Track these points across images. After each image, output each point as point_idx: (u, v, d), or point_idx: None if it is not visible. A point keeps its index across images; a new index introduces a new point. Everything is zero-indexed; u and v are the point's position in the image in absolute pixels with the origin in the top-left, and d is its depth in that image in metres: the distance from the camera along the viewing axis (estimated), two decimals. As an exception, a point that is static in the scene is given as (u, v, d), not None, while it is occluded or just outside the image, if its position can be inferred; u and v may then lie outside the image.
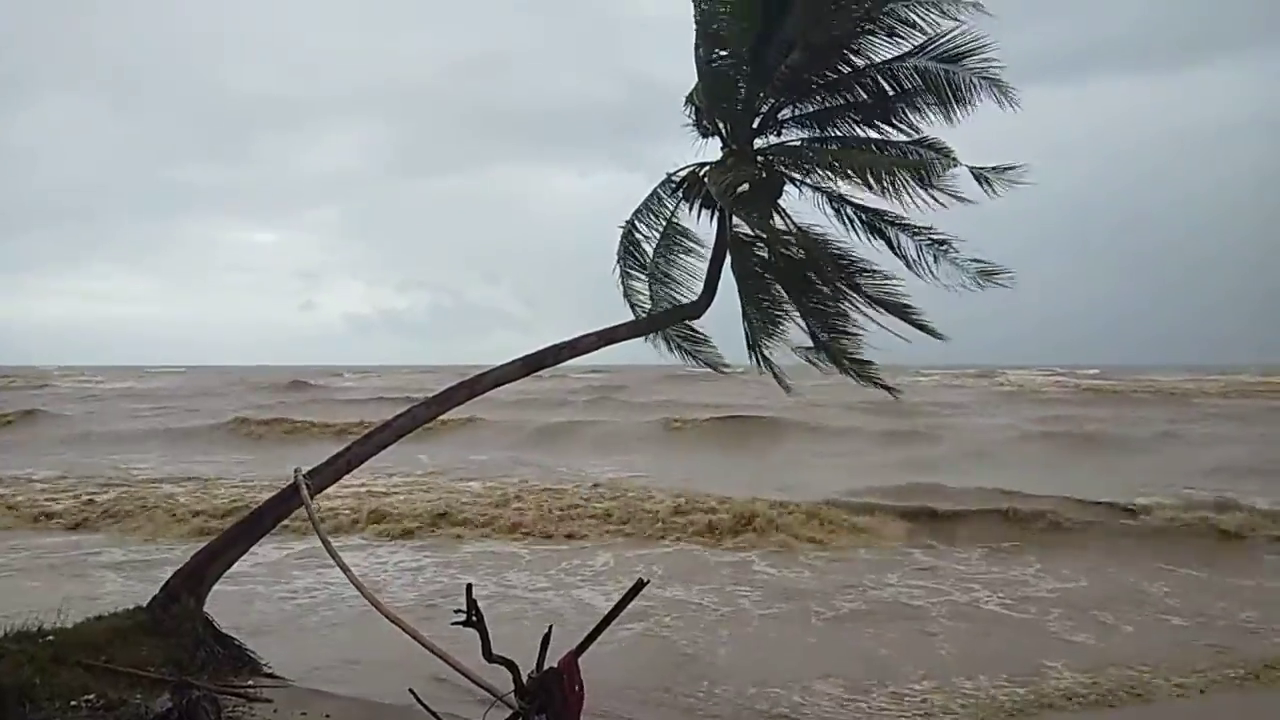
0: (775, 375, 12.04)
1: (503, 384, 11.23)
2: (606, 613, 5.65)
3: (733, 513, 19.99)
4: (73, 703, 6.83)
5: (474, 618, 5.85)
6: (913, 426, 37.85)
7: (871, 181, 10.13)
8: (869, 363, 11.54)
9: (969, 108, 9.98)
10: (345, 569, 8.40)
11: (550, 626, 5.80)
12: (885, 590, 15.31)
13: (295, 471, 10.31)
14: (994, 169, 9.91)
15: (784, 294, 11.43)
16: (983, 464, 29.08)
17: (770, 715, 9.84)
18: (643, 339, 11.44)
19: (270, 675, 9.77)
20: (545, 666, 5.82)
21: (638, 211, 11.54)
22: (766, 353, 11.61)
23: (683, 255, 11.44)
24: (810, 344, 11.64)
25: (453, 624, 5.88)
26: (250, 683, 9.29)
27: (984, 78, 9.79)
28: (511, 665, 5.83)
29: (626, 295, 11.84)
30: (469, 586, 5.99)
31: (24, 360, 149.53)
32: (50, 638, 8.53)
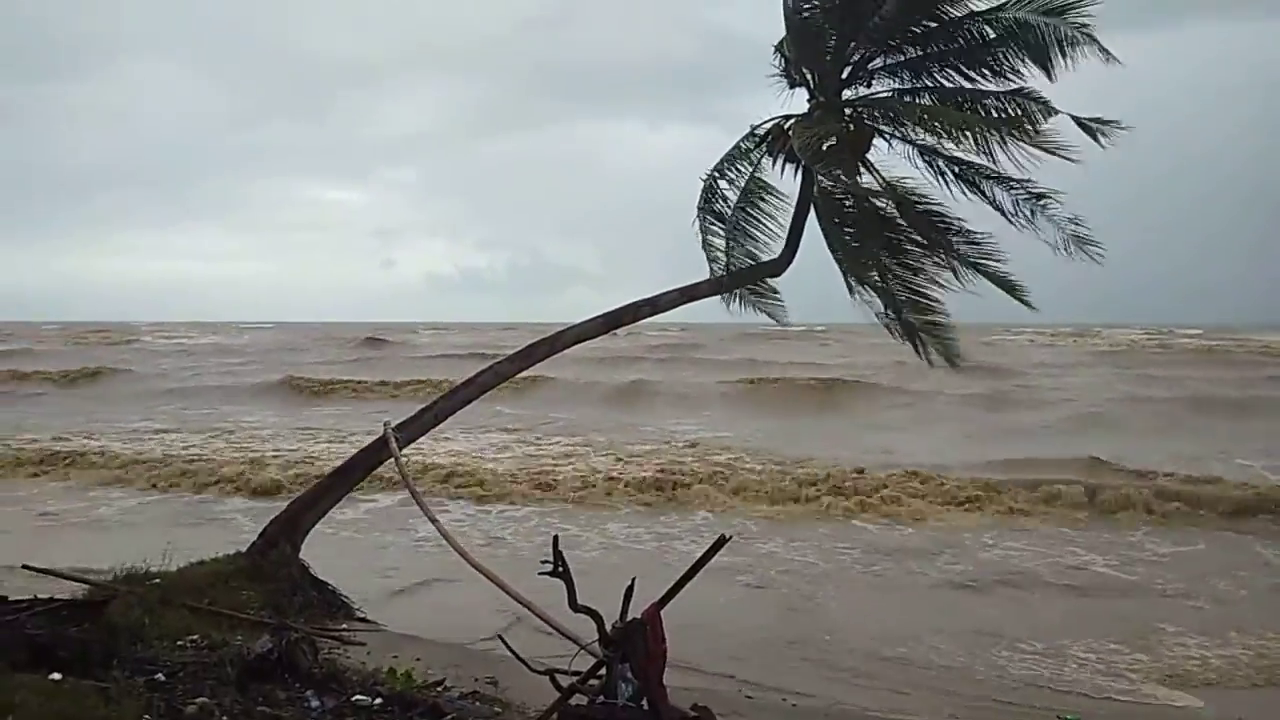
0: (884, 323, 11.75)
1: (583, 340, 11.32)
2: (689, 567, 5.69)
3: (833, 477, 19.68)
4: (179, 642, 7.16)
5: (560, 568, 5.93)
6: (1007, 388, 36.62)
7: (967, 138, 9.82)
8: (941, 325, 11.27)
9: (1070, 63, 9.54)
10: (434, 520, 8.61)
11: (634, 579, 5.84)
12: (990, 553, 15.20)
13: (385, 425, 10.59)
14: (1095, 120, 9.49)
15: (871, 252, 11.15)
16: (1085, 429, 27.94)
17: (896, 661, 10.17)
18: (719, 296, 11.34)
19: (364, 619, 10.14)
20: (629, 618, 5.88)
21: (719, 165, 11.36)
22: (867, 300, 11.38)
23: (764, 210, 11.25)
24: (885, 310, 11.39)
25: (540, 574, 5.97)
26: (345, 626, 9.67)
27: (1084, 33, 9.38)
28: (596, 615, 5.90)
29: (706, 249, 11.68)
30: (555, 538, 6.06)
31: (118, 315, 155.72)
32: (158, 580, 8.96)
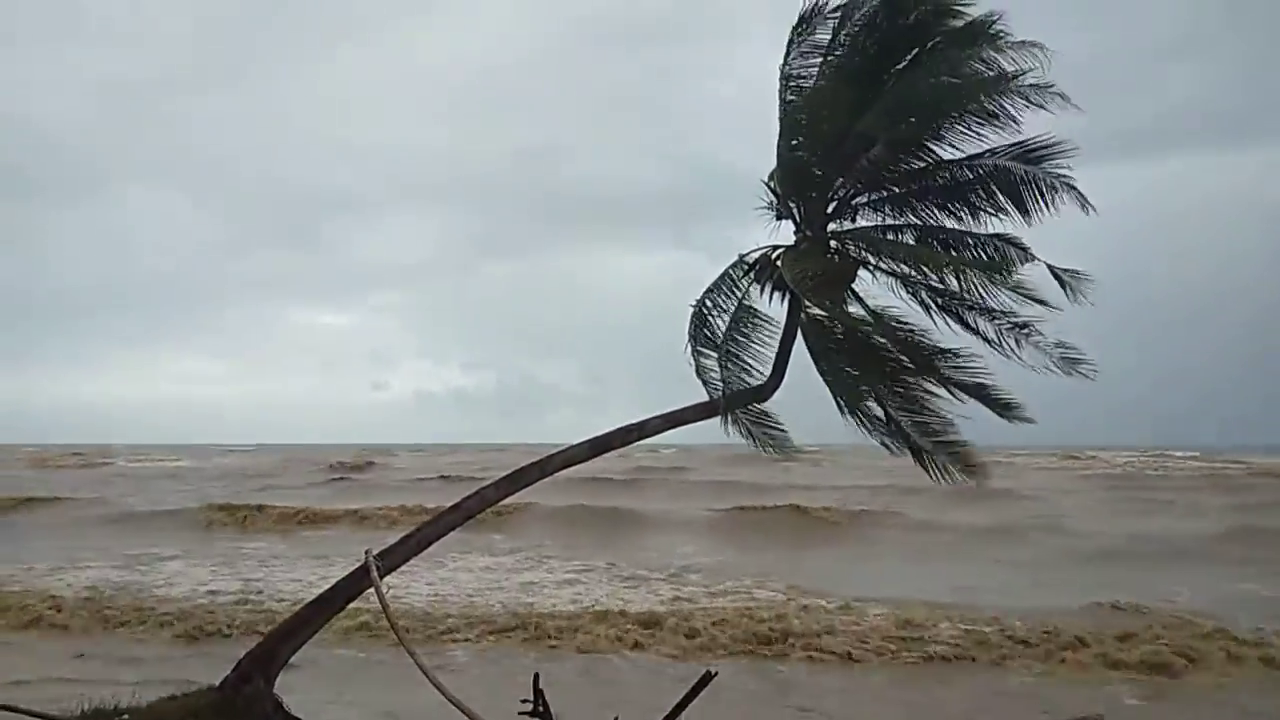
0: (882, 442, 11.65)
1: (571, 465, 11.21)
2: (672, 706, 5.52)
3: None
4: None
5: (540, 707, 5.75)
6: (1028, 518, 34.31)
7: (947, 277, 10.14)
8: (962, 443, 11.12)
9: (1048, 209, 9.95)
10: (413, 653, 8.37)
11: (616, 717, 5.66)
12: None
13: (366, 553, 10.38)
14: (1068, 271, 9.82)
15: (862, 378, 11.22)
16: (1169, 565, 25.14)
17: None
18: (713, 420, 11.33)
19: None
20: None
21: (709, 290, 11.52)
22: (860, 420, 11.27)
23: (753, 335, 11.34)
24: (887, 432, 11.38)
25: (520, 714, 5.78)
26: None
27: (1063, 182, 9.78)
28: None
29: (699, 374, 11.70)
30: (536, 675, 5.90)
31: (105, 437, 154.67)
32: (126, 716, 8.64)
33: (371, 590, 9.77)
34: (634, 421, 11.16)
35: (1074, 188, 9.69)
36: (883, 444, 11.54)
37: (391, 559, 10.47)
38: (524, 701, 5.79)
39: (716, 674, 5.62)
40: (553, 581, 23.49)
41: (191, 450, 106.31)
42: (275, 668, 10.02)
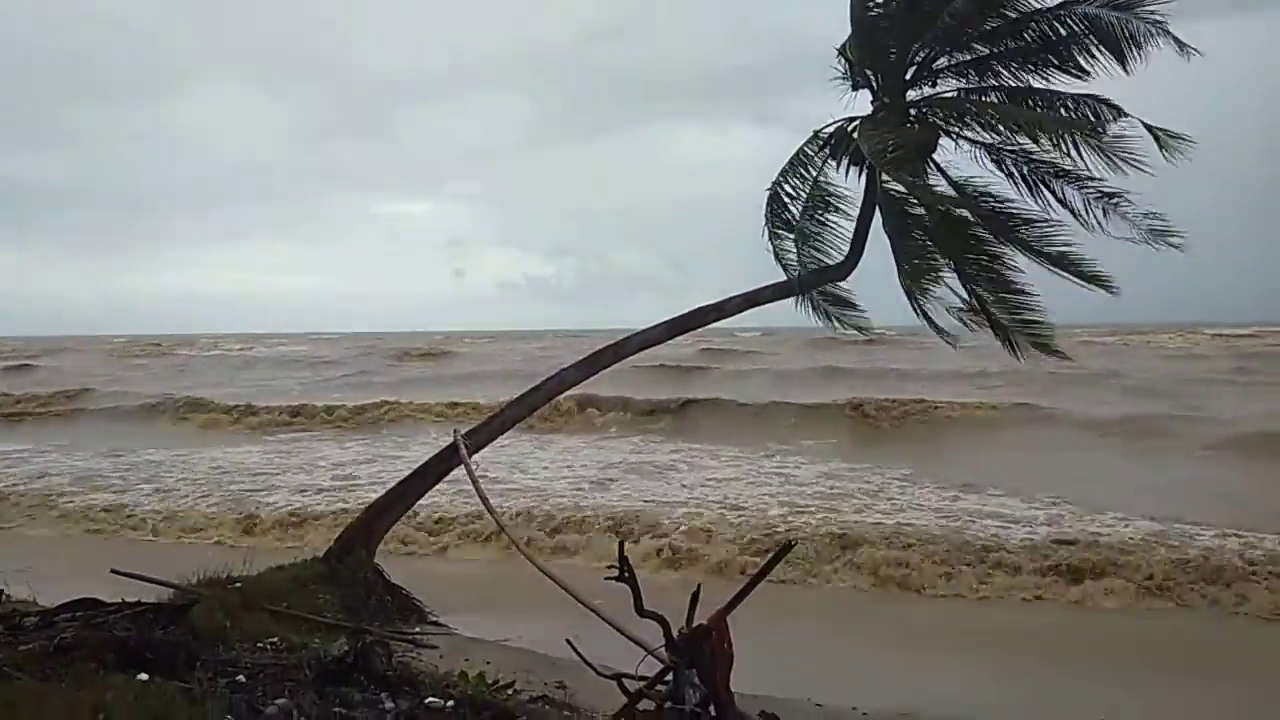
0: (939, 332, 11.56)
1: (649, 346, 11.38)
2: (754, 573, 5.71)
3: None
4: (259, 645, 7.37)
5: (625, 574, 5.99)
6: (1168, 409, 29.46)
7: (1038, 139, 9.70)
8: (1041, 323, 10.84)
9: (1144, 57, 9.39)
10: (503, 527, 8.76)
11: (699, 585, 5.88)
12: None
13: (454, 432, 10.80)
14: (1165, 131, 9.27)
15: (940, 253, 10.97)
16: None
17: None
18: (791, 301, 11.30)
19: (436, 623, 10.33)
20: (695, 624, 5.91)
21: (784, 171, 11.35)
22: (927, 310, 11.17)
23: (830, 214, 11.19)
24: (964, 306, 11.18)
25: (606, 579, 6.03)
26: (418, 630, 9.86)
27: (1158, 25, 9.18)
28: (662, 620, 5.95)
29: (776, 256, 11.66)
30: (621, 543, 6.14)
31: (193, 328, 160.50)
32: (239, 585, 9.24)
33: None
34: (712, 302, 11.21)
35: (1169, 32, 9.13)
36: (962, 321, 11.34)
37: (478, 438, 10.88)
38: (610, 566, 6.03)
39: (796, 543, 5.78)
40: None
41: (278, 339, 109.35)
42: (375, 539, 10.62)
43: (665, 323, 11.13)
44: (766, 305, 11.21)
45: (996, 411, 30.04)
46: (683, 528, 15.49)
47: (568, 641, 6.61)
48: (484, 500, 9.46)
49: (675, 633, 5.92)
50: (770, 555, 5.76)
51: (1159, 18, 9.23)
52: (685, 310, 11.21)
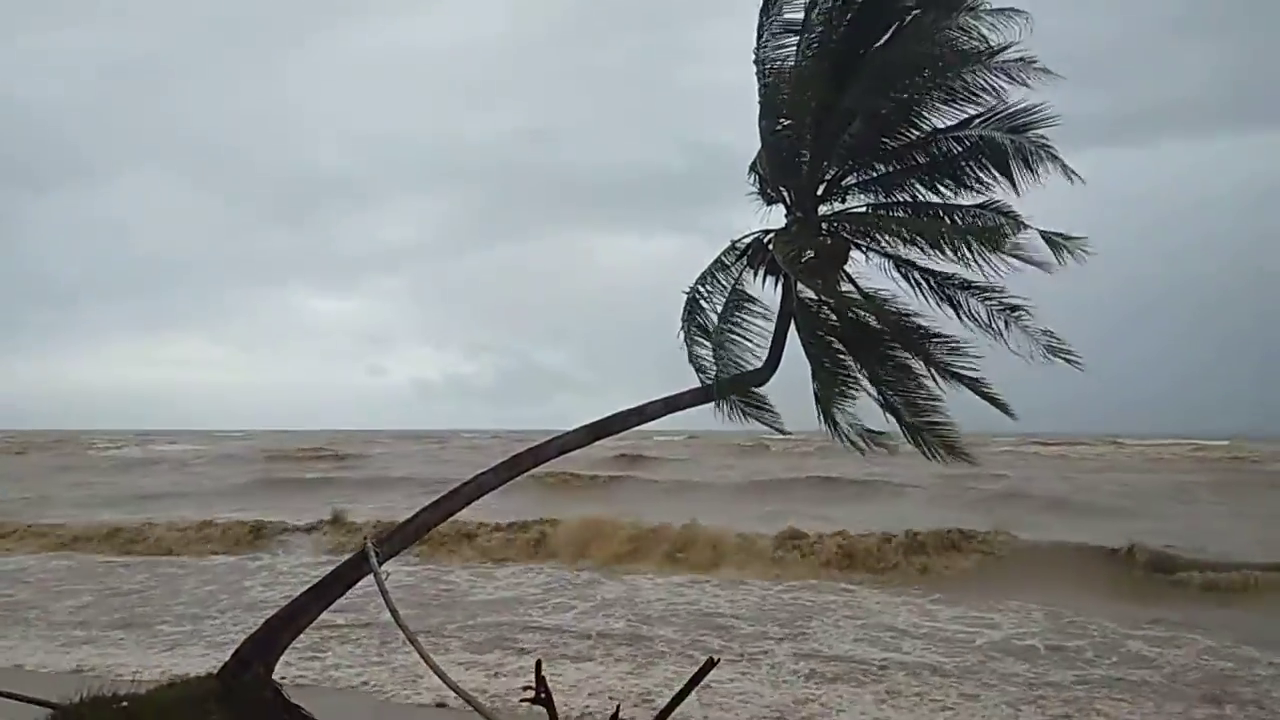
0: (850, 441, 11.73)
1: (568, 451, 11.23)
2: (675, 693, 5.56)
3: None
4: (145, 771, 6.88)
5: (542, 694, 5.79)
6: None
7: (940, 247, 10.08)
8: (948, 425, 11.06)
9: (1034, 178, 9.87)
10: (413, 640, 8.41)
11: (619, 705, 5.70)
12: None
13: (364, 540, 10.43)
14: (1062, 236, 9.73)
15: (853, 362, 11.26)
16: None
17: None
18: (709, 405, 11.35)
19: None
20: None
21: (701, 277, 11.55)
22: (839, 419, 11.37)
23: (747, 321, 11.37)
24: (877, 417, 11.40)
25: (521, 700, 5.82)
26: (317, 753, 9.32)
27: (1047, 151, 9.72)
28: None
29: (692, 361, 11.80)
30: (538, 663, 5.94)
31: (97, 424, 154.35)
32: (125, 704, 8.66)
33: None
34: (633, 406, 11.19)
35: (1057, 156, 9.61)
36: (853, 443, 11.51)
37: (390, 546, 10.51)
38: (525, 689, 5.82)
39: (719, 661, 5.66)
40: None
41: (185, 435, 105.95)
42: (274, 655, 10.05)
43: (586, 426, 11.05)
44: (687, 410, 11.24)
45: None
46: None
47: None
48: (393, 611, 9.10)
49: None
50: (693, 674, 5.63)
51: (1046, 142, 9.75)
52: (606, 414, 11.15)
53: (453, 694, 7.39)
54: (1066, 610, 17.92)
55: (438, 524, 10.95)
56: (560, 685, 12.50)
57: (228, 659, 10.09)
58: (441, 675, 7.67)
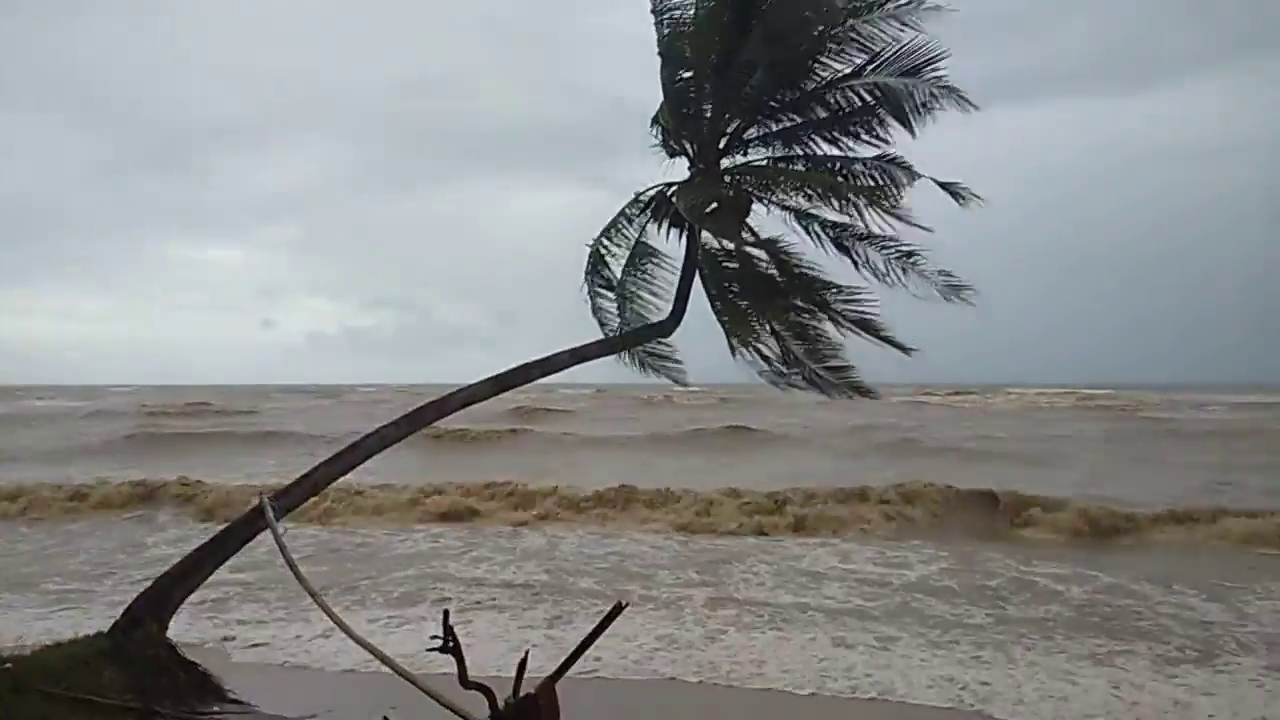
0: (768, 380, 11.98)
1: (472, 403, 11.14)
2: (584, 637, 5.63)
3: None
4: (34, 733, 6.66)
5: (450, 643, 5.79)
6: None
7: (836, 202, 10.30)
8: (848, 367, 11.50)
9: (930, 118, 10.11)
10: (314, 594, 8.28)
11: (527, 651, 5.75)
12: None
13: (260, 495, 10.17)
14: (956, 187, 10.07)
15: (756, 310, 11.47)
16: None
17: None
18: (615, 357, 11.43)
19: (235, 701, 9.60)
20: (522, 692, 5.76)
21: (605, 230, 11.57)
22: (749, 360, 11.60)
23: (651, 273, 11.47)
24: (781, 360, 11.66)
25: (429, 649, 5.80)
26: (215, 709, 9.14)
27: (943, 87, 9.94)
28: (488, 691, 5.77)
29: (595, 313, 11.87)
30: (445, 612, 5.92)
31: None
32: (8, 665, 8.32)
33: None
34: (537, 359, 11.15)
35: (954, 90, 9.83)
36: (772, 381, 11.84)
37: (287, 500, 10.29)
38: (433, 637, 5.81)
39: (628, 605, 5.75)
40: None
41: (65, 391, 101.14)
42: (168, 611, 9.79)
43: (490, 379, 10.96)
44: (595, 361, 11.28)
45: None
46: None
47: (385, 718, 6.31)
48: (293, 567, 8.92)
49: (502, 703, 5.76)
50: (601, 618, 5.70)
51: (940, 80, 9.94)
52: (512, 366, 11.10)
53: (365, 651, 7.31)
54: (973, 552, 19.02)
55: (337, 478, 10.76)
56: (476, 635, 12.60)
57: (118, 617, 9.79)
58: (346, 629, 7.59)
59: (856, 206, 10.22)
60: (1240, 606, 14.65)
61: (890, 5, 9.97)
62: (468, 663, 5.83)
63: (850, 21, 10.13)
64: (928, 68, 9.99)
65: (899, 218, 10.12)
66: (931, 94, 9.94)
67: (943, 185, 10.06)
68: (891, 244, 10.76)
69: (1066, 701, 10.35)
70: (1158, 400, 71.64)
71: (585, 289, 11.40)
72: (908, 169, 10.47)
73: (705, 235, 11.07)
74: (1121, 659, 11.95)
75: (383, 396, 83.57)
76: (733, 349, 11.46)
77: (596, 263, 11.40)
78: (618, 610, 5.53)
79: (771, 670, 11.41)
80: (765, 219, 11.09)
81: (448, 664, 5.87)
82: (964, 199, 10.00)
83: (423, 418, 10.96)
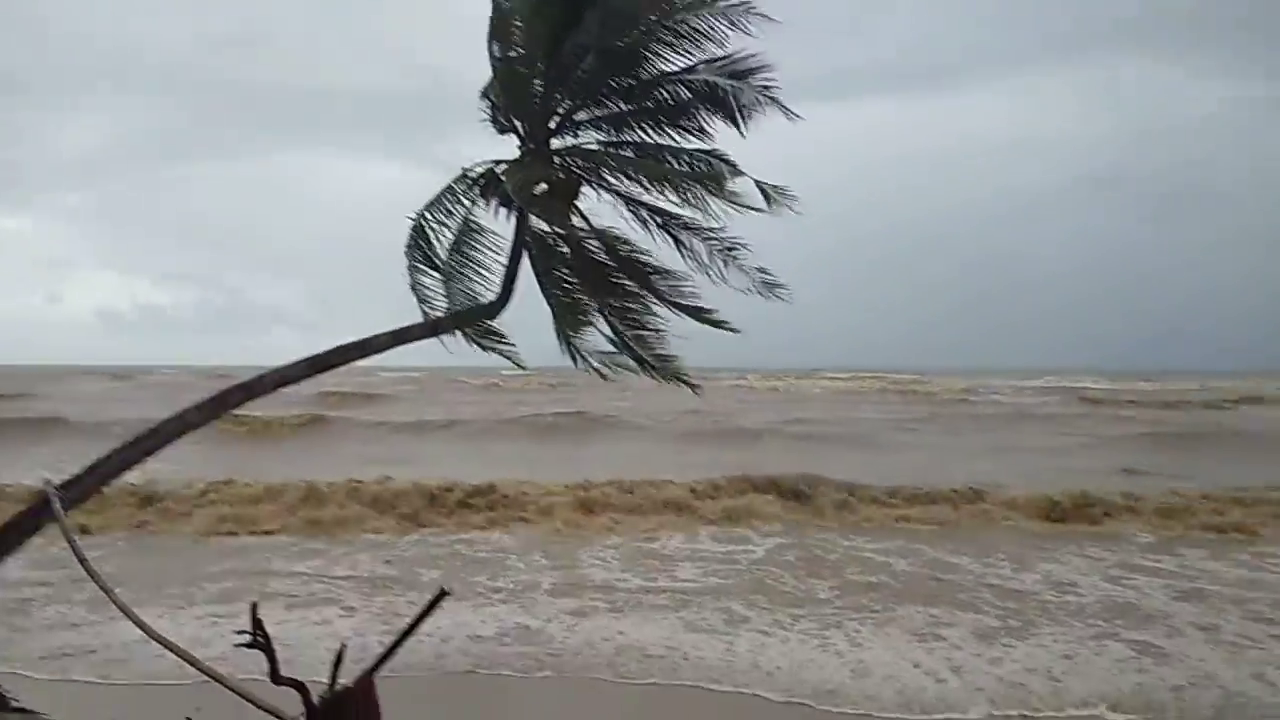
0: (593, 368, 11.99)
1: (285, 385, 10.58)
2: (404, 626, 5.43)
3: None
4: None
5: (259, 637, 5.46)
6: None
7: (665, 190, 10.44)
8: (672, 357, 11.66)
9: (755, 122, 10.41)
10: (109, 592, 7.63)
11: (343, 644, 5.49)
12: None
13: (45, 483, 9.31)
14: (774, 187, 10.40)
15: (585, 293, 11.47)
16: None
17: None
18: (449, 338, 11.13)
19: (21, 710, 8.82)
20: (338, 687, 5.50)
21: (429, 206, 11.22)
22: (579, 348, 11.62)
23: (479, 253, 11.22)
24: (610, 346, 11.71)
25: (236, 645, 5.46)
26: (-8, 721, 8.37)
27: (769, 95, 10.24)
28: (301, 687, 5.47)
29: (415, 290, 11.45)
30: (254, 605, 5.58)
31: None
32: None
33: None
34: (356, 340, 10.70)
35: (777, 100, 10.17)
36: (599, 366, 11.87)
37: (78, 490, 9.47)
38: (239, 633, 5.47)
39: (451, 592, 5.57)
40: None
41: None
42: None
43: (305, 360, 10.42)
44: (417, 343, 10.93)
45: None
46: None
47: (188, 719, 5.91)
48: (83, 562, 8.20)
49: (317, 699, 5.49)
50: (422, 607, 5.50)
51: (767, 84, 10.26)
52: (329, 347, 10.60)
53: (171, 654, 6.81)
54: (806, 531, 20.49)
55: (133, 464, 9.96)
56: (291, 629, 12.09)
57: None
58: (139, 622, 7.03)
59: (684, 196, 10.38)
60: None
61: (721, 4, 10.12)
62: (281, 661, 5.52)
63: (682, 16, 10.24)
64: (756, 74, 10.28)
65: (731, 203, 10.29)
66: (757, 99, 10.26)
67: (760, 186, 10.36)
68: (715, 236, 11.03)
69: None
70: (963, 385, 77.03)
71: (408, 266, 11.03)
72: (732, 165, 10.72)
73: (535, 217, 10.95)
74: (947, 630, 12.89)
75: (184, 379, 78.69)
76: (561, 332, 11.45)
77: (420, 238, 11.05)
78: (441, 596, 5.37)
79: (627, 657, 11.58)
80: (596, 204, 11.13)
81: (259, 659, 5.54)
82: (775, 201, 10.33)
83: (229, 400, 10.31)
